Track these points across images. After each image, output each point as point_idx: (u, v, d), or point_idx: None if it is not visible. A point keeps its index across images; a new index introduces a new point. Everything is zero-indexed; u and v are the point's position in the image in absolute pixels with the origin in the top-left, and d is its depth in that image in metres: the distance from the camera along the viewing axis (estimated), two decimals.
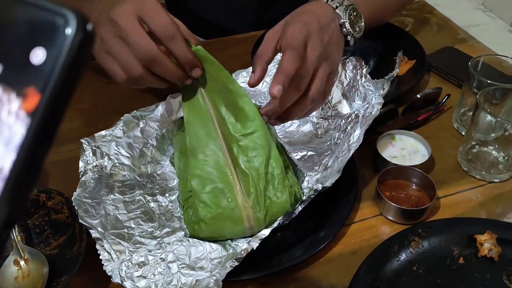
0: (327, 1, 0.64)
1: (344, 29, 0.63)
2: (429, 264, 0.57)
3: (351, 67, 0.74)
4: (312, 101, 0.58)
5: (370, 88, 0.70)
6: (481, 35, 1.02)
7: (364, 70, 0.72)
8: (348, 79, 0.73)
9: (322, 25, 0.59)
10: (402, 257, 0.57)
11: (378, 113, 0.63)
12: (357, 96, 0.71)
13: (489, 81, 0.70)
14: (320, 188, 0.57)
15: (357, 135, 0.63)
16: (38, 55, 0.16)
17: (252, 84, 0.56)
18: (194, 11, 1.04)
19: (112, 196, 0.60)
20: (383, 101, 0.65)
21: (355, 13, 0.64)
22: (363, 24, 0.66)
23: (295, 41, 0.54)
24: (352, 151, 0.61)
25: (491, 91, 0.69)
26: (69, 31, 0.16)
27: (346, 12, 0.63)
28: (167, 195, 0.64)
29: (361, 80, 0.71)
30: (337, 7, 0.63)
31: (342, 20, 0.62)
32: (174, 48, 0.52)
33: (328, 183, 0.57)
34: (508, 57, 0.75)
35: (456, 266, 0.57)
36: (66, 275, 0.53)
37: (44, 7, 0.16)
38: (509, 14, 1.52)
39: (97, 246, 0.54)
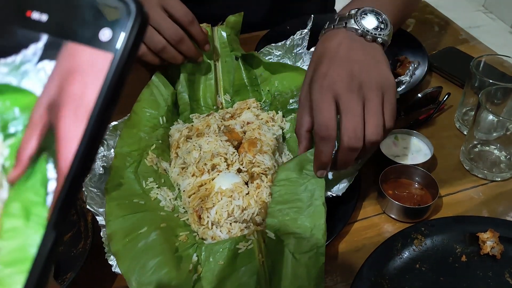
0: (334, 25, 0.61)
1: (368, 37, 0.59)
2: (431, 262, 0.57)
3: None
4: (348, 150, 0.54)
5: None
6: (481, 36, 1.03)
7: None
8: None
9: (342, 59, 0.56)
10: (405, 255, 0.57)
11: None
12: None
13: (490, 81, 0.70)
14: (330, 196, 0.58)
15: None
16: (105, 34, 0.20)
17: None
18: (196, 10, 1.04)
19: None
20: None
21: (365, 14, 0.60)
22: (384, 16, 0.61)
23: (325, 130, 0.54)
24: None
25: (493, 91, 0.69)
26: (130, 14, 0.20)
27: (356, 21, 0.59)
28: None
29: None
30: (346, 24, 0.59)
31: (359, 31, 0.59)
32: (193, 30, 0.71)
33: (337, 191, 0.58)
34: (509, 57, 0.75)
35: (459, 264, 0.57)
36: (71, 272, 0.54)
37: None
38: (510, 16, 1.52)
39: (102, 234, 0.54)
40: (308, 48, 0.78)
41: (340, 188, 0.59)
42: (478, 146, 0.71)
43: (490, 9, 1.59)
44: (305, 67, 0.76)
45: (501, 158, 0.70)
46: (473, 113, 0.68)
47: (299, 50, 0.78)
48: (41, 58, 0.21)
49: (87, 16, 0.20)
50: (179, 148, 0.66)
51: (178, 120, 0.73)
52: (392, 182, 0.66)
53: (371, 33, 0.59)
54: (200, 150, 0.63)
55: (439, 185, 0.63)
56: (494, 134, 0.69)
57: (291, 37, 0.79)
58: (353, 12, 0.60)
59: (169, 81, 0.73)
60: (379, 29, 0.60)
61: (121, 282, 0.55)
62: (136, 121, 0.67)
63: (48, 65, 0.21)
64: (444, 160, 0.72)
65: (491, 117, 0.65)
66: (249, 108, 0.73)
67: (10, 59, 0.21)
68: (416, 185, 0.66)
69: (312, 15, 0.81)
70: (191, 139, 0.67)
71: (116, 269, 0.52)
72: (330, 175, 0.61)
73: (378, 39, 0.60)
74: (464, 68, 0.79)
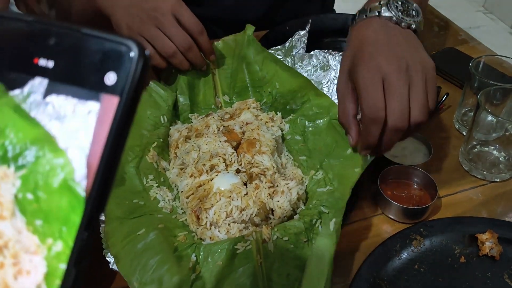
0: (366, 15, 0.61)
1: (403, 23, 0.60)
2: (430, 263, 0.57)
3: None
4: (395, 131, 0.55)
5: None
6: (481, 37, 1.03)
7: None
8: None
9: (384, 43, 0.57)
10: (404, 256, 0.57)
11: None
12: None
13: (490, 82, 0.70)
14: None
15: None
16: (110, 78, 0.21)
17: (355, 143, 0.60)
18: (195, 12, 1.04)
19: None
20: None
21: (399, 2, 0.61)
22: (415, 4, 0.62)
23: (375, 112, 0.54)
24: None
25: (492, 92, 0.69)
26: (133, 57, 0.20)
27: (391, 9, 0.60)
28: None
29: None
30: (379, 12, 0.60)
31: (394, 18, 0.59)
32: (202, 40, 0.72)
33: None
34: (509, 57, 0.75)
35: (458, 265, 0.57)
36: None
37: (113, 40, 0.21)
38: (510, 16, 1.52)
39: (101, 229, 0.54)
40: (308, 51, 0.78)
41: None
42: (477, 146, 0.71)
43: (490, 10, 1.59)
44: (305, 69, 0.76)
45: (500, 159, 0.70)
46: (472, 113, 0.68)
47: (298, 51, 0.78)
48: (48, 92, 0.21)
49: (92, 62, 0.21)
50: (178, 148, 0.67)
51: (177, 121, 0.73)
52: (391, 183, 0.66)
53: (406, 19, 0.60)
54: (199, 150, 0.63)
55: (438, 185, 0.63)
56: (493, 135, 0.69)
57: (289, 39, 0.80)
58: (384, 1, 0.61)
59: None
60: (411, 16, 0.61)
61: (120, 282, 0.55)
62: (136, 119, 0.67)
63: (56, 100, 0.21)
64: (443, 161, 0.72)
65: (490, 117, 0.65)
66: (248, 108, 0.73)
67: (17, 91, 0.22)
68: (415, 186, 0.66)
69: (310, 20, 0.81)
70: (190, 139, 0.67)
71: (113, 266, 0.52)
72: (369, 156, 0.61)
73: (412, 25, 0.61)
74: (463, 68, 0.79)
